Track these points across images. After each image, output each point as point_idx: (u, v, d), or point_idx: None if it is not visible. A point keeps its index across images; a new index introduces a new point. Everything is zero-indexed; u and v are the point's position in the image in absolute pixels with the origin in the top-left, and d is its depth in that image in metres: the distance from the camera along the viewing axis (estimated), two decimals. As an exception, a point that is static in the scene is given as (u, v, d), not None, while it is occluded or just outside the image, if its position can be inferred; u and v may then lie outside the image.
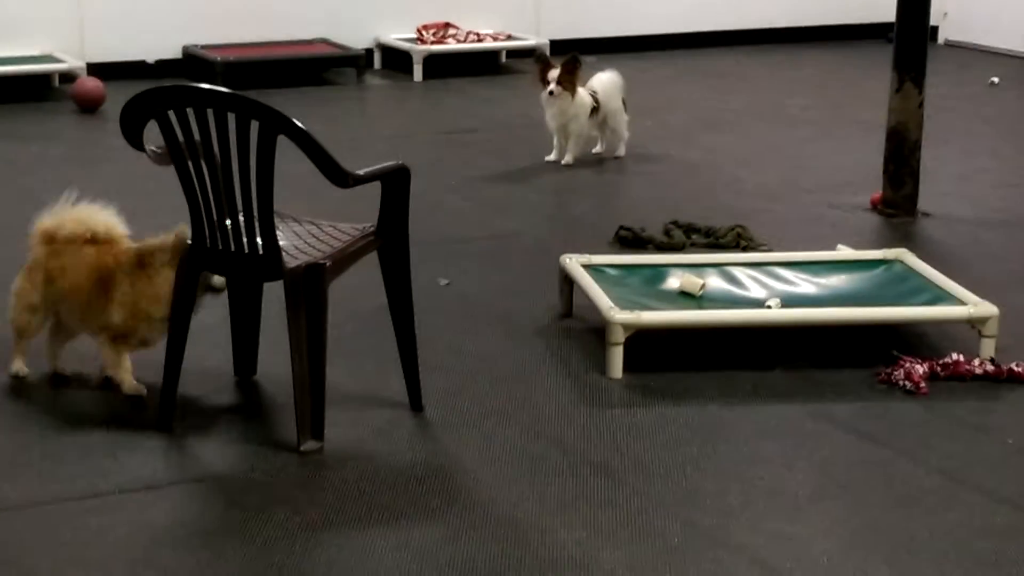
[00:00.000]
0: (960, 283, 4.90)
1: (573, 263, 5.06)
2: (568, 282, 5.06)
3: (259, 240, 3.94)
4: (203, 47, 9.43)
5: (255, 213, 3.91)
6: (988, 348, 4.62)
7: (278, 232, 3.97)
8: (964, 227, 6.29)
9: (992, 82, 9.63)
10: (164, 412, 4.14)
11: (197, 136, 3.88)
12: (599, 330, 4.70)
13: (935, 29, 10.78)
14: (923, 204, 6.43)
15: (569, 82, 7.18)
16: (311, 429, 3.98)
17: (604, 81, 7.41)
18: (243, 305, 4.41)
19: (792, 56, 10.68)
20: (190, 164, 3.93)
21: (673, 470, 3.94)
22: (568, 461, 3.99)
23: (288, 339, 3.96)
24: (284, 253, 3.97)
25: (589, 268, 5.03)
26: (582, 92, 7.26)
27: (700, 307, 4.83)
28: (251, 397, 4.43)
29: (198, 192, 3.95)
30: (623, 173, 7.32)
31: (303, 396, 3.95)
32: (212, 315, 4.54)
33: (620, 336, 4.53)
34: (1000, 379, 4.52)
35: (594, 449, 4.07)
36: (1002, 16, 10.75)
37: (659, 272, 5.11)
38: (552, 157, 7.34)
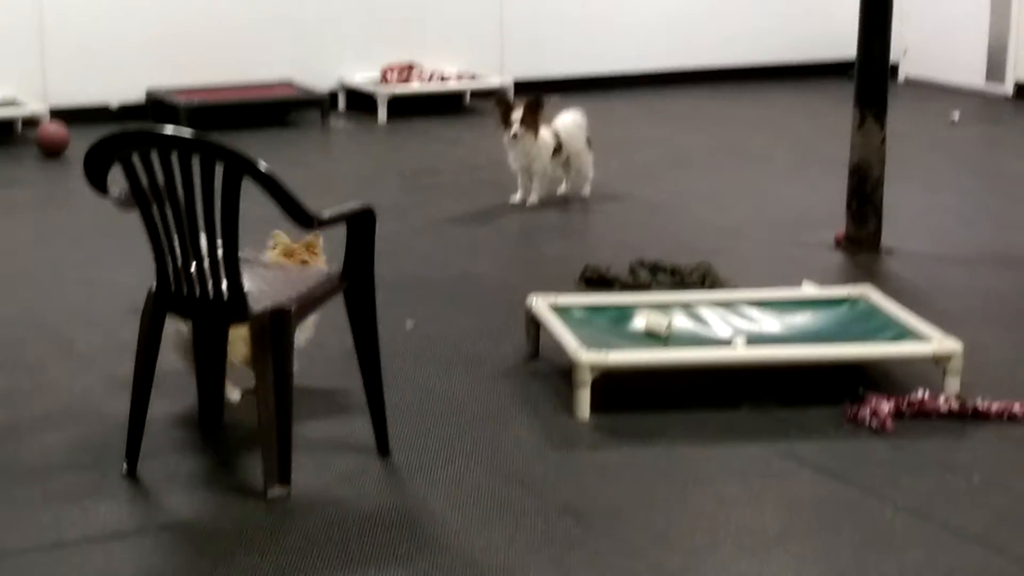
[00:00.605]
0: (924, 319, 4.93)
1: (540, 304, 5.06)
2: (535, 323, 5.06)
3: (224, 284, 3.93)
4: (167, 91, 9.42)
5: (220, 256, 3.90)
6: (953, 385, 4.64)
7: (243, 275, 3.96)
8: (927, 263, 6.33)
9: (953, 118, 9.70)
10: (130, 459, 4.11)
11: (161, 180, 3.87)
12: (566, 371, 4.69)
13: (895, 66, 10.86)
14: (886, 241, 6.47)
15: (532, 123, 7.20)
16: (278, 475, 3.96)
17: (567, 121, 7.44)
18: (208, 350, 4.39)
19: (755, 94, 10.75)
20: (154, 208, 3.91)
21: (641, 511, 3.93)
22: (536, 503, 3.98)
23: (254, 383, 3.94)
24: (249, 297, 3.96)
25: (556, 309, 5.03)
26: (545, 133, 7.28)
27: (667, 347, 4.84)
28: (217, 443, 4.41)
29: (162, 236, 3.94)
30: (588, 213, 7.34)
31: (269, 441, 3.93)
32: (178, 360, 4.52)
33: (587, 377, 4.53)
34: (965, 416, 4.54)
35: (562, 491, 4.06)
36: (961, 52, 10.84)
37: (625, 312, 5.12)
38: (517, 198, 7.36)
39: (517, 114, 7.20)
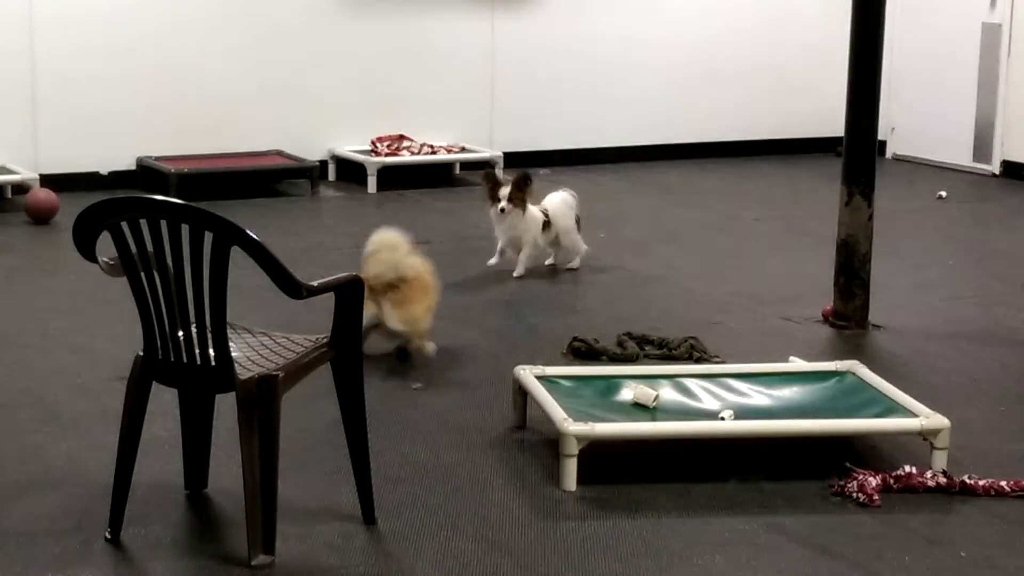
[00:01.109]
0: (911, 395, 4.93)
1: (527, 374, 5.06)
2: (522, 393, 5.05)
3: (211, 351, 3.93)
4: (157, 158, 9.44)
5: (207, 324, 3.90)
6: (940, 460, 4.64)
7: (231, 343, 3.96)
8: (914, 339, 6.34)
9: (940, 196, 9.76)
10: (113, 525, 4.09)
11: (150, 247, 3.88)
12: (553, 442, 4.69)
13: (883, 143, 10.93)
14: (874, 316, 6.48)
15: (519, 199, 7.24)
16: (262, 543, 3.93)
17: (556, 201, 7.47)
18: (194, 417, 4.38)
19: (743, 169, 10.80)
20: (142, 275, 3.92)
21: (627, 583, 3.92)
22: (522, 574, 3.96)
23: (240, 451, 3.93)
24: (236, 365, 3.96)
25: (543, 379, 5.03)
26: (533, 209, 7.32)
27: (654, 419, 4.83)
28: (202, 510, 4.39)
29: (150, 303, 3.94)
30: (576, 284, 7.36)
31: (254, 509, 3.91)
32: (163, 427, 4.51)
33: (574, 448, 4.52)
34: (952, 491, 4.53)
35: (548, 562, 4.04)
36: (948, 131, 10.92)
37: (613, 384, 5.12)
38: (493, 261, 7.38)
39: (505, 190, 7.24)
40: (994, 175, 10.61)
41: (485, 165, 10.03)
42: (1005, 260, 8.04)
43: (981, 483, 4.55)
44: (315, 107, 10.05)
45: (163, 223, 3.83)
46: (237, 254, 3.80)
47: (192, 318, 3.92)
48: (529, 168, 10.19)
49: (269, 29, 9.86)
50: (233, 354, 3.96)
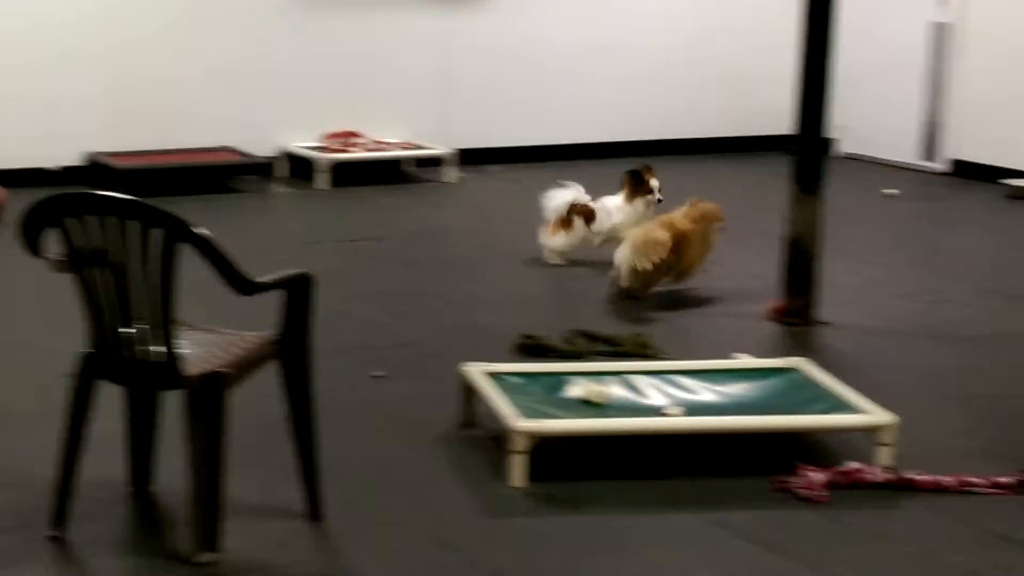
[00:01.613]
0: (858, 392, 4.96)
1: (474, 371, 5.06)
2: (470, 390, 5.06)
3: (159, 348, 3.91)
4: (106, 154, 9.39)
5: (155, 321, 3.88)
6: (886, 456, 4.67)
7: (178, 340, 3.94)
8: (861, 336, 6.38)
9: (889, 194, 9.82)
10: (57, 523, 4.07)
11: (98, 243, 3.86)
12: (502, 438, 4.69)
13: (832, 142, 10.98)
14: (821, 313, 6.52)
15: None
16: (208, 540, 3.92)
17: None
18: (140, 414, 4.36)
19: (693, 167, 10.81)
20: (89, 271, 3.89)
21: (574, 579, 3.93)
22: (470, 571, 3.97)
23: (185, 448, 3.91)
24: (184, 361, 3.94)
25: (491, 376, 5.03)
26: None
27: (602, 415, 4.85)
28: (147, 508, 4.37)
29: (98, 300, 3.91)
30: (526, 281, 7.36)
31: (200, 506, 3.90)
32: (108, 423, 4.48)
33: (522, 444, 4.53)
34: (897, 487, 4.57)
35: (497, 558, 4.05)
36: (897, 130, 10.99)
37: (561, 380, 5.13)
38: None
39: (655, 181, 7.28)
40: (943, 173, 10.69)
41: (437, 162, 10.04)
42: (953, 257, 8.10)
43: (925, 479, 4.58)
44: (266, 103, 10.01)
45: (111, 219, 3.81)
46: (186, 250, 3.78)
47: (140, 315, 3.90)
48: (481, 164, 10.34)
49: (220, 24, 9.82)
50: (180, 351, 3.95)
